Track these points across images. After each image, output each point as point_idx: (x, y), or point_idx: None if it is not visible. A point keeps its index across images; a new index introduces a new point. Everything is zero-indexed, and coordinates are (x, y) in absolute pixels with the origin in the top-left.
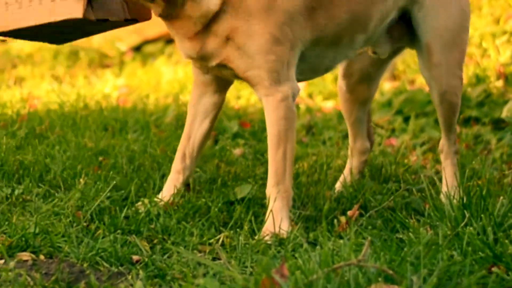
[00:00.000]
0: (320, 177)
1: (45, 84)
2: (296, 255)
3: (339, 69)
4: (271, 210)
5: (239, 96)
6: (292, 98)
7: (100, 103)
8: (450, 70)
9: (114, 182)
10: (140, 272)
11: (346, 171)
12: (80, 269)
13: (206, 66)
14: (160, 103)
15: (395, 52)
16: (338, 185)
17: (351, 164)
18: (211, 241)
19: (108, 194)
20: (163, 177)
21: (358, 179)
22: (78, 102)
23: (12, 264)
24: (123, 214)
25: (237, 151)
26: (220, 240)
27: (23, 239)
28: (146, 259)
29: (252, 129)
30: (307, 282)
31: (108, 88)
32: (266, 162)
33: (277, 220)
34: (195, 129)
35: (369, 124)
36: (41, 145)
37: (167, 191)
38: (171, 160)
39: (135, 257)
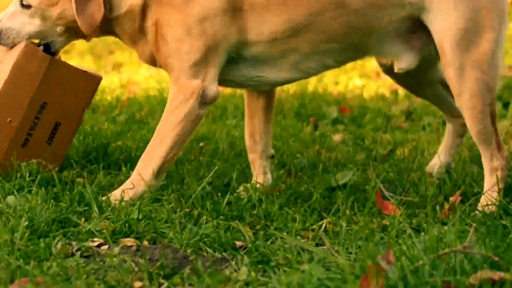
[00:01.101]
0: (420, 163)
1: (143, 70)
2: (400, 241)
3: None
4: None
5: (337, 81)
6: (198, 97)
7: None
8: (464, 71)
9: (216, 167)
10: (244, 258)
11: (446, 137)
12: (184, 255)
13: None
14: None
15: None
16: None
17: (450, 129)
18: (313, 227)
19: (210, 180)
20: (284, 166)
21: (458, 145)
22: None
23: (116, 249)
24: (225, 200)
25: (337, 137)
26: (323, 226)
27: (127, 225)
28: (250, 245)
29: (352, 115)
30: (413, 268)
31: None
32: (367, 148)
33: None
34: (253, 107)
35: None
36: (142, 131)
37: (256, 174)
38: (272, 146)
39: (238, 243)
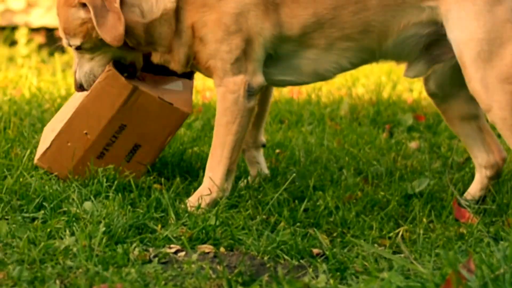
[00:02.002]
0: None
1: None
2: (478, 249)
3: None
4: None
5: (412, 89)
6: (245, 91)
7: (274, 95)
8: (488, 83)
9: (294, 174)
10: (322, 265)
11: (470, 187)
12: (261, 262)
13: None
14: (333, 96)
15: None
16: (466, 195)
17: (475, 179)
18: (390, 234)
19: (286, 187)
20: (341, 169)
21: (480, 196)
22: None
23: (194, 256)
24: (302, 207)
25: (413, 144)
26: (400, 234)
27: (204, 231)
28: (327, 252)
29: (427, 122)
30: (493, 277)
31: None
32: (443, 155)
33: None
34: None
35: (487, 138)
36: None
37: (248, 164)
38: (348, 153)
39: (315, 250)
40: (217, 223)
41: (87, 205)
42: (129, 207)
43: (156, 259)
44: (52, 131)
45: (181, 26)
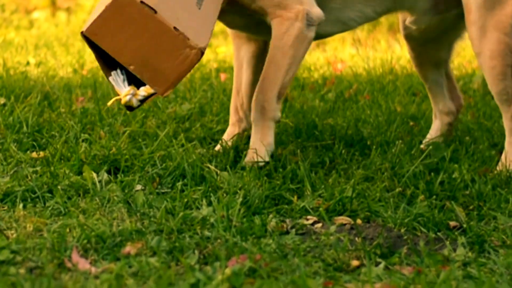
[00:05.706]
0: None
1: (348, 47)
2: None
3: (401, 32)
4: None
5: None
6: (304, 20)
7: (407, 68)
8: (486, 31)
9: (430, 147)
10: (461, 238)
11: (429, 133)
12: (398, 234)
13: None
14: (465, 69)
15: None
16: (422, 146)
17: (434, 126)
18: None
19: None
20: (475, 142)
21: (440, 142)
22: (383, 66)
23: (333, 228)
24: (438, 180)
25: None
26: None
27: (340, 203)
28: (464, 225)
29: None
30: None
31: None
32: None
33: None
34: (240, 82)
35: (451, 85)
36: (351, 109)
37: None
38: (482, 126)
39: (452, 223)
40: (354, 195)
41: (224, 175)
42: (265, 178)
43: (294, 230)
44: None
45: None
